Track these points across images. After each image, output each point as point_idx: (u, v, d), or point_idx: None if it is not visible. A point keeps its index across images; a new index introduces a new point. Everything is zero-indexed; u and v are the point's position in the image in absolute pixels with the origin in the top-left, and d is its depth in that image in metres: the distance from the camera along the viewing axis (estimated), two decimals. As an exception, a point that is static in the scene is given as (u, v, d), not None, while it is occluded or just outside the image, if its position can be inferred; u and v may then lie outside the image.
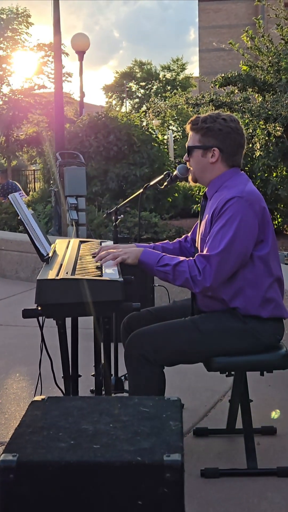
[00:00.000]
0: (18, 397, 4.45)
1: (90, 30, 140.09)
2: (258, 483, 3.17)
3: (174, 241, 3.68)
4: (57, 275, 2.81)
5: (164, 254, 3.14)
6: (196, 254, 3.07)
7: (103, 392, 3.16)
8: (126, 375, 4.18)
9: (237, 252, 3.03)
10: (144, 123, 16.10)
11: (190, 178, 3.42)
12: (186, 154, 3.36)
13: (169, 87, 59.77)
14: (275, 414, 3.20)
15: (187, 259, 3.07)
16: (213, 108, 10.61)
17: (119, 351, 4.14)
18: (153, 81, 65.49)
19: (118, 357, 4.30)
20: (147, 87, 66.09)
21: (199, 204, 10.39)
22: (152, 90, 64.66)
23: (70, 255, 3.31)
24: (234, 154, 3.27)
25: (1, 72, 27.97)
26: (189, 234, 3.67)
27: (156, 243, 3.59)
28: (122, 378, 4.36)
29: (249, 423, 3.29)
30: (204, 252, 3.04)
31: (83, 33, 20.57)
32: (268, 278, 3.14)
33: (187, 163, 3.38)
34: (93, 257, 3.27)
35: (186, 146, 3.34)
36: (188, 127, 3.34)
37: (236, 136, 3.25)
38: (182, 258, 3.09)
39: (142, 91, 66.71)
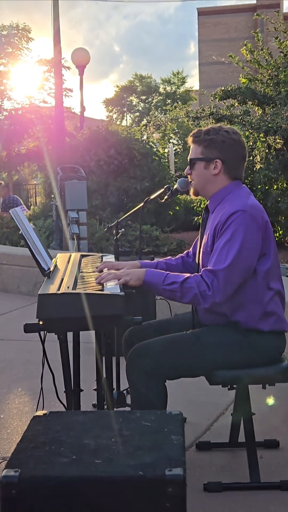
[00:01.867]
0: (20, 411, 4.44)
1: (91, 44, 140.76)
2: (261, 496, 3.16)
3: (177, 256, 3.67)
4: (59, 289, 2.82)
5: (167, 272, 3.12)
6: (203, 269, 3.06)
7: (105, 407, 3.15)
8: (128, 389, 4.18)
9: (243, 266, 3.03)
10: (145, 137, 16.13)
11: (191, 191, 3.43)
12: (188, 167, 3.36)
13: (169, 101, 60.01)
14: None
15: (193, 275, 3.06)
16: (213, 121, 10.64)
17: (121, 365, 4.14)
18: (153, 95, 65.74)
19: (120, 371, 4.30)
20: (147, 100, 66.36)
21: (200, 217, 10.40)
22: (152, 104, 64.91)
23: (71, 269, 3.32)
24: (237, 166, 3.28)
25: (2, 87, 28.08)
26: (190, 249, 3.66)
27: (159, 260, 3.58)
28: (124, 392, 4.35)
29: (251, 437, 3.29)
30: (210, 267, 3.04)
31: (84, 47, 20.73)
32: (269, 291, 3.14)
33: (189, 176, 3.38)
34: (98, 272, 3.27)
35: (188, 159, 3.34)
36: (190, 139, 3.35)
37: (238, 148, 3.27)
38: (186, 274, 3.07)
39: (142, 104, 66.97)
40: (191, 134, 3.36)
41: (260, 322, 3.14)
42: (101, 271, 3.30)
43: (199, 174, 3.30)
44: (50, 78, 27.62)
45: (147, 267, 3.41)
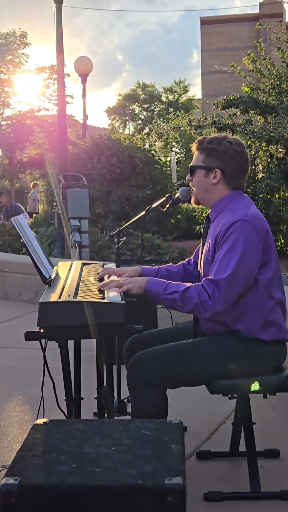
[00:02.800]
0: (20, 419, 4.43)
1: (94, 53, 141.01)
2: (262, 506, 3.15)
3: (178, 264, 3.67)
4: (60, 297, 2.82)
5: (169, 281, 3.12)
6: (204, 279, 3.06)
7: (106, 415, 3.15)
8: (129, 397, 4.18)
9: (244, 275, 3.03)
10: (147, 145, 16.15)
11: (192, 199, 3.43)
12: (189, 173, 3.37)
13: (171, 109, 60.13)
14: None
15: (194, 284, 3.06)
16: (216, 130, 10.66)
17: (122, 374, 4.14)
18: (155, 103, 65.89)
19: (121, 379, 4.29)
20: (149, 109, 66.51)
21: (202, 226, 10.41)
22: (154, 112, 65.06)
23: (72, 277, 3.32)
24: (237, 177, 3.28)
25: (4, 95, 28.12)
26: (191, 257, 3.67)
27: (160, 266, 3.58)
28: (125, 400, 4.35)
29: (252, 446, 3.28)
30: (211, 277, 3.04)
31: (86, 56, 20.75)
32: (270, 301, 3.14)
33: (190, 183, 3.39)
34: (99, 280, 3.27)
35: (190, 165, 3.36)
36: (194, 146, 3.36)
37: (240, 160, 3.27)
38: (188, 284, 3.07)
39: (144, 113, 67.11)
40: (196, 141, 3.38)
41: (262, 332, 3.13)
42: (102, 277, 3.31)
43: (198, 182, 3.31)
44: (51, 85, 27.65)
45: (148, 273, 3.41)
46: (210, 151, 3.25)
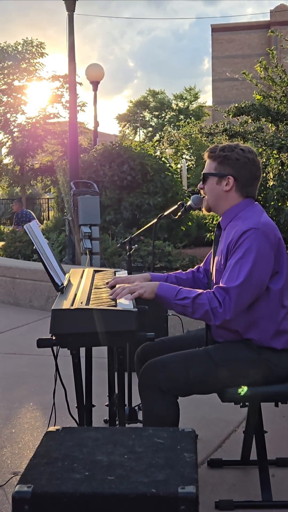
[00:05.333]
0: (31, 426, 4.44)
1: (105, 60, 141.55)
2: (273, 515, 3.15)
3: (187, 271, 3.67)
4: (72, 305, 2.83)
5: (181, 287, 3.13)
6: (215, 286, 3.05)
7: (117, 422, 3.15)
8: (140, 405, 4.17)
9: (255, 284, 3.02)
10: (158, 152, 16.17)
11: (204, 207, 3.43)
12: (201, 181, 3.38)
13: (182, 116, 60.21)
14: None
15: (205, 291, 3.06)
16: (227, 137, 10.66)
17: (133, 381, 4.13)
18: (166, 110, 65.97)
19: (132, 387, 4.29)
20: (160, 116, 66.59)
21: (212, 233, 10.39)
22: (165, 119, 65.15)
23: (84, 285, 3.33)
24: (249, 185, 3.28)
25: (17, 102, 28.26)
26: (201, 265, 3.67)
27: (170, 273, 3.59)
28: (136, 408, 4.35)
29: (263, 455, 3.27)
30: (222, 284, 3.04)
31: (98, 63, 20.80)
32: (282, 309, 3.13)
33: (201, 190, 3.40)
34: (109, 288, 3.27)
35: (202, 173, 3.36)
36: (206, 154, 3.37)
37: (252, 168, 3.27)
38: (199, 290, 3.07)
39: (155, 120, 67.21)
40: (207, 149, 3.38)
41: (273, 340, 3.13)
42: (112, 287, 3.31)
43: (211, 189, 3.31)
44: (64, 94, 27.77)
45: (157, 280, 3.42)
46: (223, 159, 3.26)
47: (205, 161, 3.42)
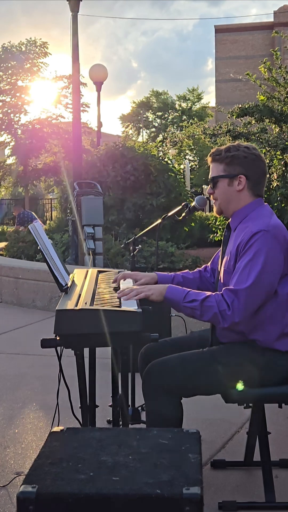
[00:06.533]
0: (35, 426, 4.44)
1: (109, 60, 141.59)
2: (277, 516, 3.14)
3: (194, 270, 3.67)
4: (76, 305, 2.82)
5: (189, 290, 3.11)
6: (224, 289, 3.04)
7: (121, 423, 3.15)
8: (144, 405, 4.17)
9: (265, 286, 3.01)
10: (161, 153, 16.16)
11: (215, 210, 3.41)
12: (209, 187, 3.35)
13: (185, 117, 60.23)
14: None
15: (214, 293, 3.05)
16: (230, 138, 10.64)
17: (137, 382, 4.14)
18: (169, 111, 66.00)
19: (136, 387, 4.29)
20: (163, 116, 66.62)
21: (216, 234, 10.38)
22: (168, 120, 65.17)
23: (88, 285, 3.33)
24: (259, 182, 3.28)
25: (20, 102, 28.30)
26: (208, 264, 3.66)
27: (176, 273, 3.58)
28: (139, 408, 4.35)
29: (267, 456, 3.27)
30: (231, 286, 3.03)
31: (101, 64, 20.82)
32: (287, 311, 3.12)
33: (211, 196, 3.36)
34: (114, 282, 3.27)
35: (210, 178, 3.32)
36: (209, 159, 3.34)
37: (260, 163, 3.27)
38: (208, 293, 3.06)
39: (158, 120, 67.23)
40: (210, 153, 3.35)
41: (278, 342, 3.12)
42: (117, 281, 3.32)
43: (223, 192, 3.28)
44: (68, 94, 27.80)
45: (164, 279, 3.42)
46: (231, 159, 3.24)
47: (207, 166, 3.40)
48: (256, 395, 3.17)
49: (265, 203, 3.31)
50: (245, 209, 3.25)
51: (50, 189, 31.43)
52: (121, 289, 3.15)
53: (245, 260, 3.02)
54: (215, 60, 52.64)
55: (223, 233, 3.43)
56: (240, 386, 3.10)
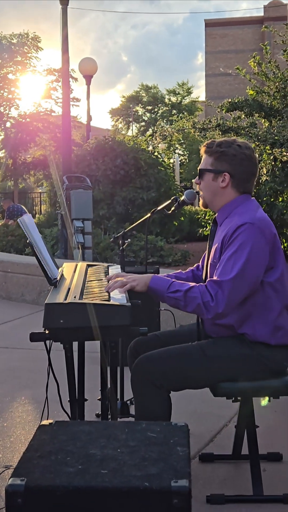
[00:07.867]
0: (23, 420, 4.44)
1: (98, 54, 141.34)
2: (264, 510, 3.16)
3: (187, 270, 3.68)
4: (65, 299, 2.82)
5: (173, 280, 3.12)
6: (208, 280, 3.05)
7: (109, 417, 3.15)
8: (132, 399, 4.18)
9: (249, 278, 3.01)
10: (150, 147, 16.18)
11: (200, 202, 3.42)
12: (197, 176, 3.36)
13: (175, 111, 60.18)
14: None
15: (198, 284, 3.05)
16: (220, 133, 10.66)
17: (125, 375, 4.14)
18: (159, 105, 65.93)
19: (124, 381, 4.30)
20: (153, 111, 66.54)
21: (205, 228, 10.40)
22: (158, 114, 65.11)
23: (77, 279, 3.33)
24: (246, 181, 3.27)
25: (10, 95, 28.17)
26: (200, 263, 3.67)
27: (169, 273, 3.58)
28: (128, 402, 4.35)
29: (255, 449, 3.29)
30: (215, 278, 3.04)
31: (91, 57, 20.80)
32: (277, 305, 3.13)
33: (197, 186, 3.38)
34: (108, 281, 3.28)
35: (198, 168, 3.35)
36: (202, 149, 3.34)
37: (249, 164, 3.26)
38: (192, 283, 3.06)
39: (148, 114, 67.15)
40: (204, 143, 3.36)
41: (267, 336, 3.13)
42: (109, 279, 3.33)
43: (207, 185, 3.30)
44: (58, 88, 27.71)
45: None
46: (220, 155, 3.24)
47: (200, 156, 3.41)
48: (244, 388, 3.18)
49: (252, 198, 3.31)
50: (230, 205, 3.25)
51: (39, 182, 31.37)
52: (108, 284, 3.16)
53: (230, 252, 3.03)
54: (205, 54, 52.66)
55: (210, 228, 3.44)
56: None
